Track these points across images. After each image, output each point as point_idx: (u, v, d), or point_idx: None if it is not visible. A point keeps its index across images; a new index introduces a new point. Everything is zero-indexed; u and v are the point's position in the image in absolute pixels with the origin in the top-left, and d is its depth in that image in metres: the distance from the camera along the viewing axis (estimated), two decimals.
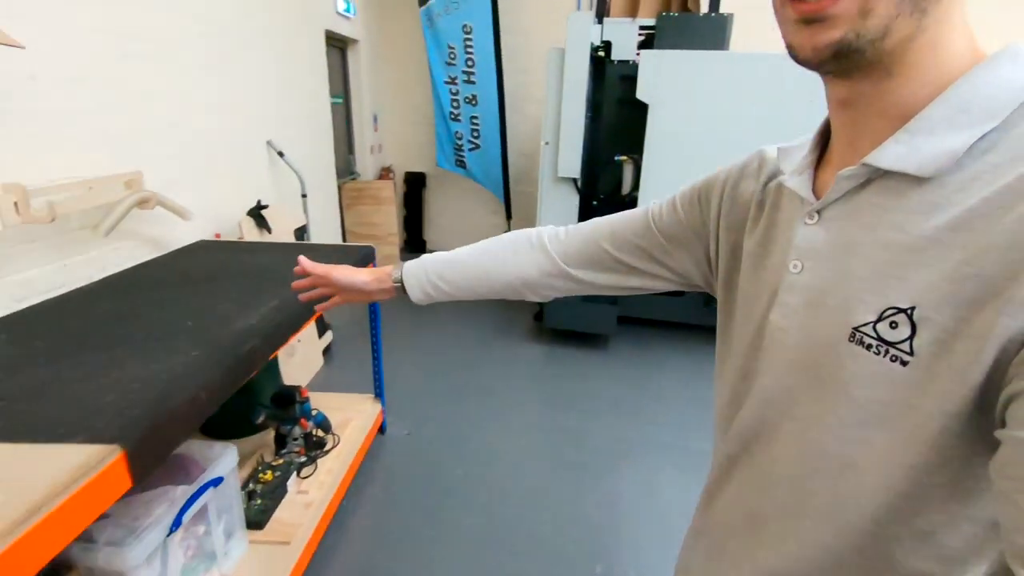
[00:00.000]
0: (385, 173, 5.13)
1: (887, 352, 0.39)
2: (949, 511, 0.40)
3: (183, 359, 1.22)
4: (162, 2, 2.16)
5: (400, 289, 0.87)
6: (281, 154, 3.07)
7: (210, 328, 1.40)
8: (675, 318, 3.72)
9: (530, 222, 3.52)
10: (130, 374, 1.14)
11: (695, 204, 0.65)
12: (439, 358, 3.37)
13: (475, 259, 0.83)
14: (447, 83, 4.56)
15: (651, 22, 3.28)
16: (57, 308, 1.54)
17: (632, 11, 3.89)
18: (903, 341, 0.38)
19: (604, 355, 3.46)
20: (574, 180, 3.38)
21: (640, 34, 3.36)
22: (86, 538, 1.20)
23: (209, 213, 2.52)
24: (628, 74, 3.13)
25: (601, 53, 3.24)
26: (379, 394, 2.55)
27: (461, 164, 4.82)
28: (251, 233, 2.66)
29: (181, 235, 2.32)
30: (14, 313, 1.55)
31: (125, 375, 1.14)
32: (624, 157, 3.31)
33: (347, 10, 4.04)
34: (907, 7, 0.36)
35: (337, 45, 4.29)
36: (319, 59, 3.74)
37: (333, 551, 1.90)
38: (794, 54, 0.41)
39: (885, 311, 0.39)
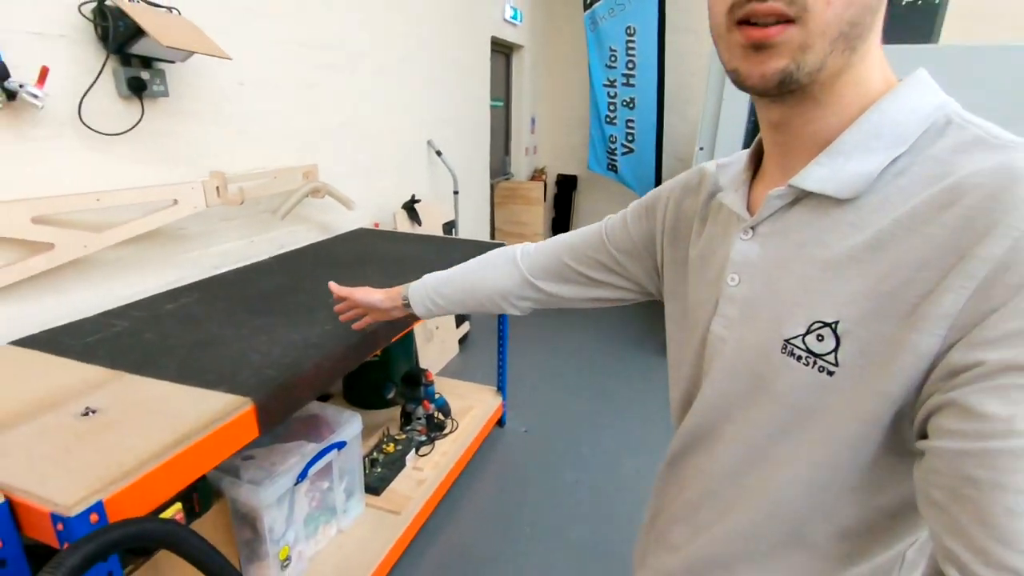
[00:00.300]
0: (538, 175, 5.25)
1: (815, 363, 0.42)
2: (859, 502, 0.44)
3: (318, 331, 1.37)
4: (347, 15, 2.45)
5: (408, 306, 0.99)
6: (439, 153, 3.31)
7: None
8: None
9: None
10: (276, 338, 1.32)
11: (642, 219, 0.70)
12: (568, 361, 3.36)
13: (464, 276, 0.92)
14: (605, 86, 4.53)
15: None
16: (239, 277, 1.84)
17: None
18: (829, 353, 0.41)
19: None
20: None
21: None
22: (233, 473, 1.42)
23: (370, 204, 2.81)
24: None
25: None
26: (501, 387, 2.62)
27: (613, 168, 4.75)
28: (403, 224, 2.90)
29: (345, 222, 2.61)
30: (209, 278, 1.88)
31: (272, 339, 1.31)
32: None
33: (514, 17, 4.21)
34: (840, 45, 0.39)
35: (502, 51, 4.49)
36: (483, 64, 3.95)
37: (438, 529, 2.00)
38: (740, 80, 0.43)
39: (812, 324, 0.42)
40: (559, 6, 4.94)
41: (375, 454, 2.04)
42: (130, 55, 1.57)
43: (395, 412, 2.36)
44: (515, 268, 0.84)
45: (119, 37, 1.48)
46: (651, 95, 4.35)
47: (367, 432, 2.09)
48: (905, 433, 0.39)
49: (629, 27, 4.28)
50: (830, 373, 0.41)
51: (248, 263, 2.10)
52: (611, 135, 4.64)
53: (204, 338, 1.31)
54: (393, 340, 1.60)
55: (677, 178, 0.67)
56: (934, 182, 0.38)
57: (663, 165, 4.54)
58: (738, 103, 2.94)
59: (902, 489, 0.43)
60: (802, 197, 0.46)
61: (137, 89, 1.57)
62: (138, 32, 1.45)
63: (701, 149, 3.18)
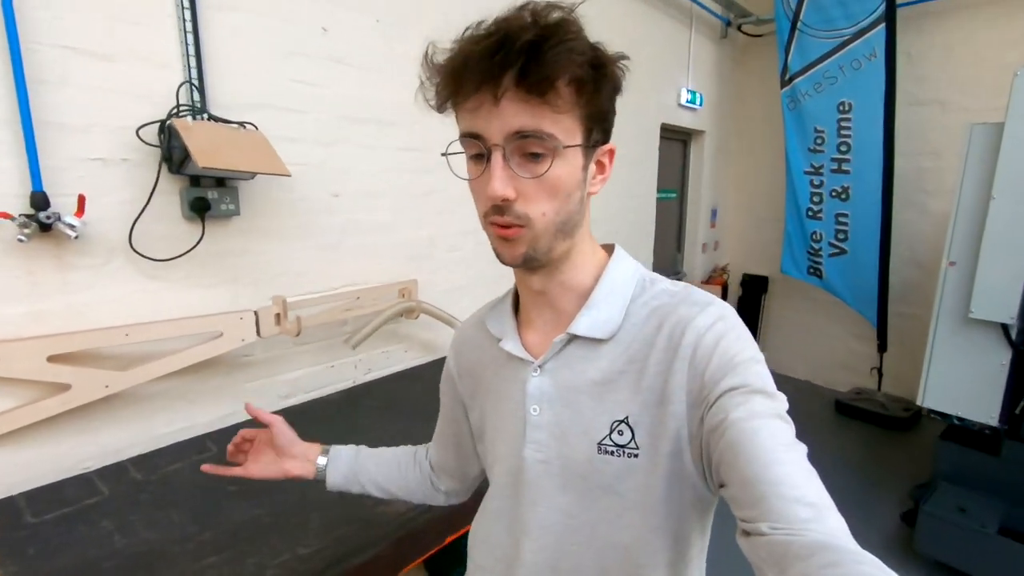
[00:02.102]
0: (719, 274, 4.46)
1: (623, 452, 0.57)
2: (677, 549, 0.59)
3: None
4: None
5: (321, 469, 0.83)
6: None
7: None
8: None
9: (916, 358, 2.37)
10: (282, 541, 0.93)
11: (445, 388, 0.80)
12: None
13: (389, 464, 0.86)
14: (808, 173, 3.67)
15: None
16: (304, 413, 1.56)
17: None
18: (630, 441, 0.56)
19: None
20: (1003, 326, 2.07)
21: None
22: None
23: None
24: None
25: None
26: None
27: (816, 272, 3.76)
28: None
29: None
30: (279, 409, 1.64)
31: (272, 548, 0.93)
32: None
33: (692, 101, 3.69)
34: (560, 236, 0.56)
35: (677, 137, 3.97)
36: (650, 155, 3.47)
37: None
38: (500, 258, 0.58)
39: (612, 424, 0.57)
40: (749, 84, 4.29)
41: None
42: (198, 176, 1.44)
43: None
44: (426, 472, 0.86)
45: (177, 158, 1.36)
46: (873, 184, 3.38)
47: None
48: (688, 468, 0.55)
49: (843, 103, 3.44)
50: (635, 456, 0.56)
51: (325, 392, 1.84)
52: (814, 231, 3.70)
53: (156, 549, 0.99)
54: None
55: (455, 340, 0.78)
56: (650, 317, 0.58)
57: (891, 271, 3.44)
58: (1018, 201, 1.96)
59: (691, 517, 0.58)
60: (574, 339, 0.60)
61: (200, 210, 1.43)
62: None
63: (952, 264, 2.20)
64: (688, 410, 0.53)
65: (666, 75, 3.46)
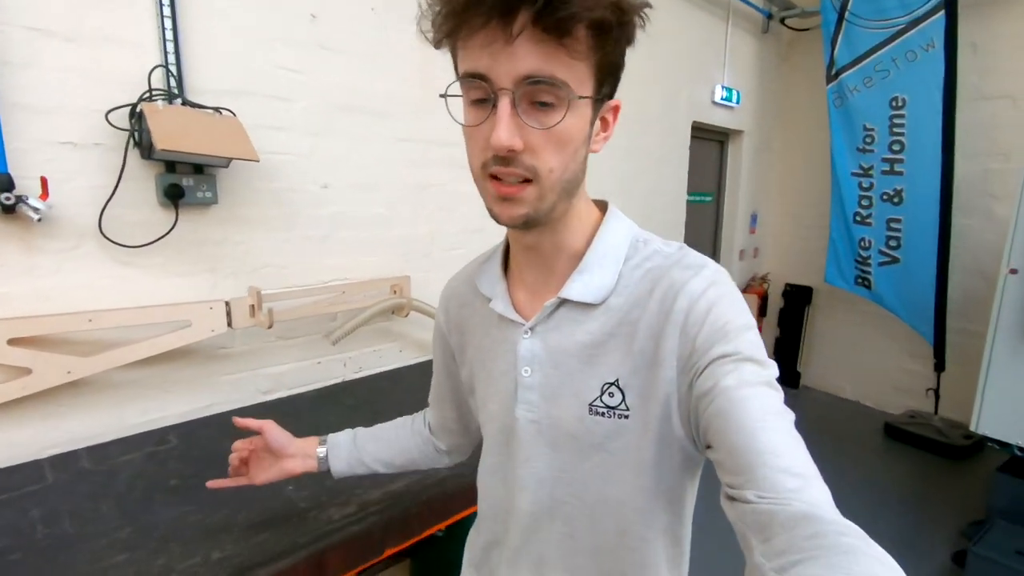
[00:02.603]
0: (758, 283, 4.19)
1: (614, 413, 0.57)
2: (672, 511, 0.60)
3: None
4: None
5: (324, 459, 0.84)
6: None
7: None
8: None
9: (972, 379, 2.10)
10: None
11: (437, 344, 0.79)
12: None
13: (388, 436, 0.87)
14: (856, 175, 3.39)
15: None
16: (286, 407, 1.51)
17: None
18: (620, 403, 0.56)
19: None
20: None
21: None
22: None
23: None
24: None
25: None
26: None
27: (864, 283, 3.46)
28: None
29: None
30: (248, 406, 1.60)
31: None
32: None
33: (727, 98, 3.48)
34: (563, 196, 0.54)
35: (714, 138, 3.76)
36: (679, 155, 3.29)
37: None
38: (495, 217, 0.54)
39: (603, 386, 0.57)
40: (795, 81, 4.02)
41: None
42: (174, 162, 1.42)
43: None
44: (426, 438, 0.86)
45: (146, 142, 1.33)
46: (930, 186, 3.08)
47: None
48: (677, 432, 0.55)
49: (895, 98, 3.16)
50: (625, 417, 0.56)
51: (310, 387, 1.79)
52: (862, 238, 3.41)
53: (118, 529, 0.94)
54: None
55: (443, 295, 0.77)
56: (642, 279, 0.57)
57: (950, 283, 3.12)
58: None
59: (683, 479, 0.59)
60: (566, 302, 0.59)
61: (173, 196, 1.40)
62: None
63: (1013, 272, 1.94)
64: (678, 375, 0.53)
65: (699, 71, 3.28)
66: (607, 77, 0.52)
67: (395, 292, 1.89)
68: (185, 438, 1.36)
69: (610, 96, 0.54)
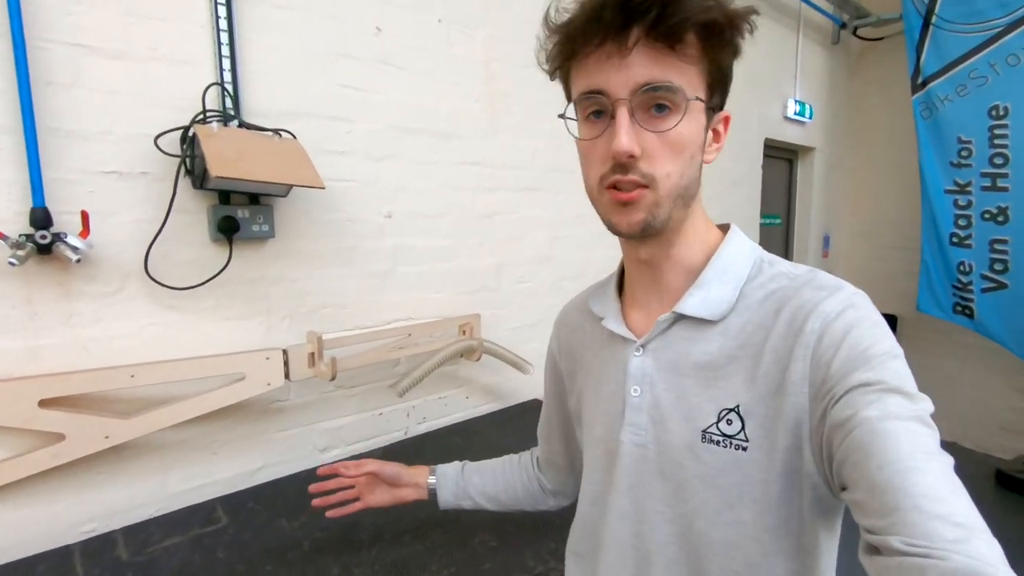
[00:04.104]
0: None
1: (730, 443, 0.51)
2: (801, 560, 0.52)
3: None
4: (546, 125, 1.92)
5: (432, 489, 0.88)
6: None
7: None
8: None
9: None
10: None
11: (548, 374, 0.78)
12: None
13: (494, 472, 0.88)
14: (951, 192, 3.07)
15: None
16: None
17: None
18: (739, 432, 0.51)
19: None
20: None
21: None
22: None
23: None
24: None
25: None
26: None
27: (965, 311, 3.10)
28: None
29: (526, 387, 1.94)
30: (312, 468, 1.40)
31: None
32: None
33: (800, 113, 3.23)
34: (680, 204, 0.53)
35: (782, 156, 3.50)
36: (753, 174, 3.04)
37: None
38: (613, 227, 0.54)
39: (721, 412, 0.52)
40: (866, 95, 3.74)
41: None
42: (228, 192, 1.25)
43: None
44: (532, 474, 0.86)
45: (199, 170, 1.17)
46: None
47: None
48: (808, 467, 0.48)
49: (995, 107, 2.85)
50: (744, 448, 0.51)
51: (369, 445, 1.58)
52: (961, 262, 3.06)
53: None
54: None
55: (557, 321, 0.76)
56: (766, 299, 0.53)
57: None
58: None
59: (814, 522, 0.51)
60: (681, 319, 0.56)
61: (227, 230, 1.23)
62: None
63: None
64: (810, 403, 0.47)
65: (770, 85, 3.05)
66: (717, 84, 0.52)
67: (464, 333, 1.68)
68: (234, 514, 1.16)
69: (720, 106, 0.55)
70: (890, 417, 0.41)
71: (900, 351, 0.47)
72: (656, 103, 0.49)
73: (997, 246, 2.93)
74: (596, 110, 0.52)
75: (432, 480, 0.88)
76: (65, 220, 1.07)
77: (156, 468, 1.24)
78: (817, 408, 0.47)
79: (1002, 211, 2.90)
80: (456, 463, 0.89)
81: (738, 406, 0.51)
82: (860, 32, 3.57)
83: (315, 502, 0.89)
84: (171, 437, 1.25)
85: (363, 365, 1.44)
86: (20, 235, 1.02)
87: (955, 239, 3.08)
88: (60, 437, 1.06)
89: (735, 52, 0.52)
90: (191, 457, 1.28)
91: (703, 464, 0.53)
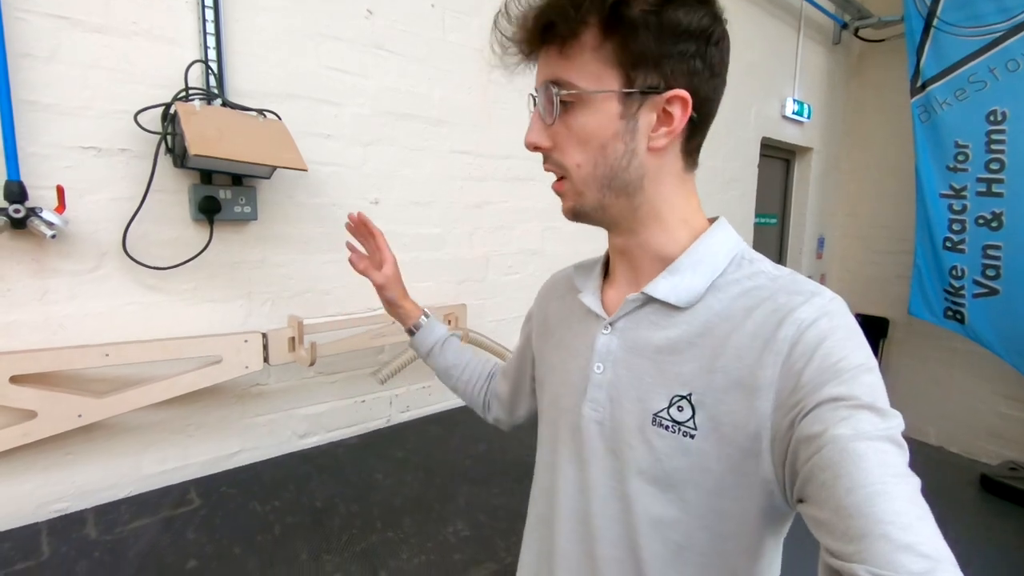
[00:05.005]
0: None
1: (679, 429, 0.51)
2: (748, 556, 0.52)
3: None
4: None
5: (415, 327, 0.93)
6: None
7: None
8: None
9: None
10: None
11: (524, 327, 0.81)
12: None
13: (470, 357, 0.93)
14: (945, 196, 3.06)
15: None
16: (326, 456, 1.30)
17: None
18: (689, 420, 0.51)
19: None
20: None
21: None
22: None
23: None
24: None
25: None
26: None
27: (955, 316, 3.10)
28: None
29: None
30: (274, 458, 1.39)
31: None
32: None
33: (799, 113, 3.22)
34: (609, 192, 0.54)
35: (779, 156, 3.49)
36: (747, 171, 3.03)
37: None
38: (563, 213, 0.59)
39: (673, 398, 0.52)
40: (866, 97, 3.72)
41: None
42: (210, 172, 1.24)
43: None
44: (484, 388, 0.90)
45: (180, 148, 1.15)
46: None
47: None
48: (765, 474, 0.48)
49: (993, 112, 2.84)
50: (692, 436, 0.51)
51: (349, 432, 1.57)
52: (953, 267, 3.06)
53: None
54: None
55: (544, 285, 0.78)
56: (740, 296, 0.52)
57: None
58: None
59: (759, 526, 0.51)
60: (650, 301, 0.56)
61: (209, 211, 1.22)
62: None
63: None
64: (774, 411, 0.47)
65: (768, 82, 3.03)
66: (641, 66, 0.50)
67: (450, 322, 1.67)
68: (208, 497, 1.15)
69: (662, 88, 0.51)
70: (861, 437, 0.41)
71: (874, 363, 0.46)
72: (561, 99, 0.52)
73: (990, 251, 2.93)
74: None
75: (423, 319, 0.92)
76: (40, 195, 1.06)
77: (130, 450, 1.23)
78: (784, 418, 0.46)
79: (996, 216, 2.89)
80: (446, 327, 0.94)
81: (690, 394, 0.51)
82: (861, 33, 3.55)
83: (349, 221, 0.89)
84: (146, 418, 1.24)
85: (344, 352, 1.43)
86: None
87: (948, 243, 3.07)
88: (32, 414, 1.05)
89: (664, 31, 0.49)
90: (166, 439, 1.27)
91: (651, 447, 0.53)
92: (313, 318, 1.35)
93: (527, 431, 0.80)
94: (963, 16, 2.89)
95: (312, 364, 1.28)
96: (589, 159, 0.53)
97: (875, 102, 3.67)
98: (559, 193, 0.57)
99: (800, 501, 0.44)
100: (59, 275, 1.11)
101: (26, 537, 0.99)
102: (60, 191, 1.05)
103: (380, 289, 0.90)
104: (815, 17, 3.25)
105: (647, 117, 0.52)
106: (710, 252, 0.55)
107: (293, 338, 1.31)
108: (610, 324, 0.59)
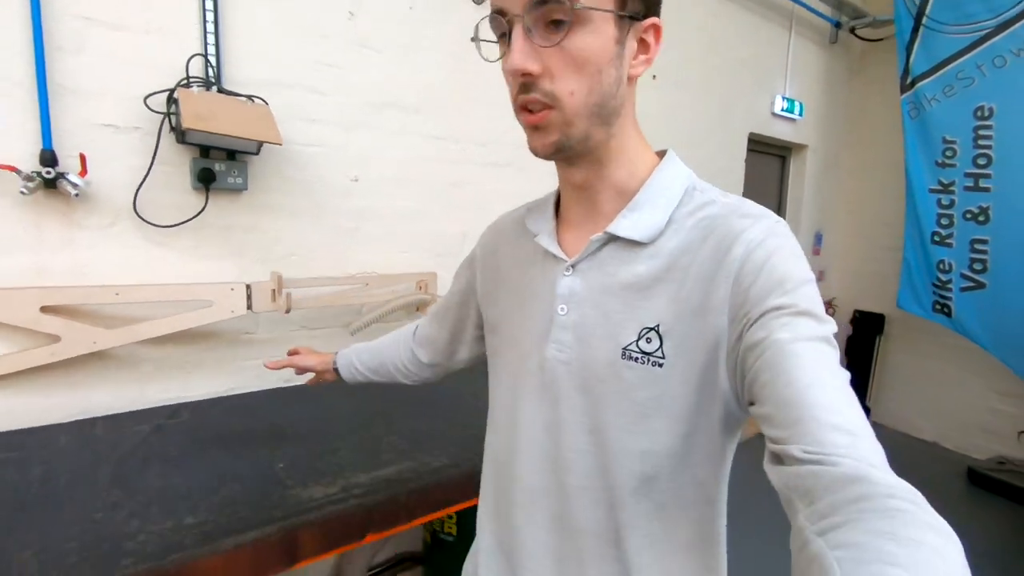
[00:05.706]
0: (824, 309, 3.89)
1: (648, 359, 0.54)
2: (711, 462, 0.56)
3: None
4: None
5: (337, 370, 1.00)
6: None
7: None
8: None
9: None
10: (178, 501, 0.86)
11: (464, 273, 0.81)
12: None
13: (380, 347, 0.96)
14: (934, 191, 3.11)
15: None
16: (304, 393, 1.51)
17: None
18: (657, 350, 0.53)
19: None
20: None
21: None
22: None
23: None
24: None
25: None
26: None
27: (943, 310, 3.14)
28: None
29: None
30: (276, 388, 1.60)
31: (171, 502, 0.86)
32: None
33: (789, 110, 3.31)
34: (597, 122, 0.53)
35: (775, 152, 3.58)
36: (733, 165, 3.14)
37: None
38: (533, 150, 0.56)
39: (641, 330, 0.54)
40: (868, 95, 3.77)
41: None
42: (208, 147, 1.47)
43: None
44: (408, 345, 0.91)
45: (179, 127, 1.39)
46: (1022, 204, 2.77)
47: None
48: (722, 384, 0.52)
49: (981, 108, 2.88)
50: (660, 365, 0.53)
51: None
52: (940, 261, 3.10)
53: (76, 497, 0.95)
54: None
55: (489, 229, 0.79)
56: (696, 226, 0.54)
57: None
58: None
59: (721, 434, 0.55)
60: (612, 240, 0.57)
61: (205, 180, 1.45)
62: None
63: None
64: (729, 324, 0.50)
65: (758, 80, 3.14)
66: None
67: (420, 288, 1.87)
68: (196, 414, 1.38)
69: (643, 14, 0.52)
70: (799, 339, 0.44)
71: (812, 276, 0.50)
72: (552, 18, 0.49)
73: (977, 246, 2.97)
74: (501, 32, 0.53)
75: (336, 358, 1.00)
76: (68, 162, 1.31)
77: (137, 379, 1.47)
78: (735, 330, 0.50)
79: (983, 211, 2.93)
80: (356, 346, 1.00)
81: (658, 325, 0.53)
82: (860, 32, 3.61)
83: (267, 364, 1.04)
84: (152, 354, 1.47)
85: (324, 307, 1.64)
86: (32, 171, 1.26)
87: (937, 238, 3.12)
88: (56, 339, 1.30)
89: None
90: (169, 373, 1.51)
91: (621, 380, 0.55)
92: (296, 275, 1.57)
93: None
94: (952, 14, 2.95)
95: (288, 311, 1.50)
96: (584, 85, 0.51)
97: (877, 100, 3.71)
98: (538, 127, 0.53)
99: (751, 404, 0.48)
100: (83, 229, 1.36)
101: (47, 433, 1.23)
102: (83, 158, 1.30)
103: (307, 370, 1.04)
104: (809, 17, 3.33)
105: (631, 44, 0.53)
106: (665, 185, 0.57)
107: (274, 290, 1.53)
108: (572, 266, 0.59)
